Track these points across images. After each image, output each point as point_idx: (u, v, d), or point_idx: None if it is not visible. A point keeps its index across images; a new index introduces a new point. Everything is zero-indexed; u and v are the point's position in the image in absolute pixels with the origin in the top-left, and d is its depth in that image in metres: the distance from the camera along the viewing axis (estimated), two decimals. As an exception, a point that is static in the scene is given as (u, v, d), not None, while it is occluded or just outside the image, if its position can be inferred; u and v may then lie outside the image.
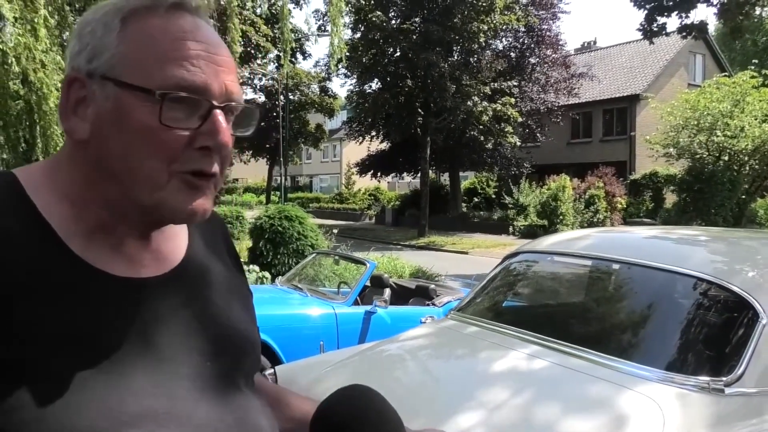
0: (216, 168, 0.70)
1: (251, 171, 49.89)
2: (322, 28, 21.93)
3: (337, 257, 6.75)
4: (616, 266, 2.76)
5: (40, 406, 0.58)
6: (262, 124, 34.89)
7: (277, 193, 31.72)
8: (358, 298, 5.28)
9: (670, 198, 20.62)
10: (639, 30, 15.64)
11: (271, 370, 2.88)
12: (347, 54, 22.57)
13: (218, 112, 0.69)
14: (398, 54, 21.86)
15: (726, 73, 20.99)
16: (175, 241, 0.79)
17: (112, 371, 0.63)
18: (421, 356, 2.67)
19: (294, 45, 27.02)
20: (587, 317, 2.84)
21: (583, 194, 21.02)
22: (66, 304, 0.64)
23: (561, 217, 19.43)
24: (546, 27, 23.72)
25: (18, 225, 0.65)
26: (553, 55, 23.73)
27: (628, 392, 2.01)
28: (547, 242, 3.23)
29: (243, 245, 11.08)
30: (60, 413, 0.59)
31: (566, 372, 2.19)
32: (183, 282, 0.76)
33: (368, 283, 6.03)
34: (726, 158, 17.20)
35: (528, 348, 2.38)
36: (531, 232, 17.95)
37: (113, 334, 0.65)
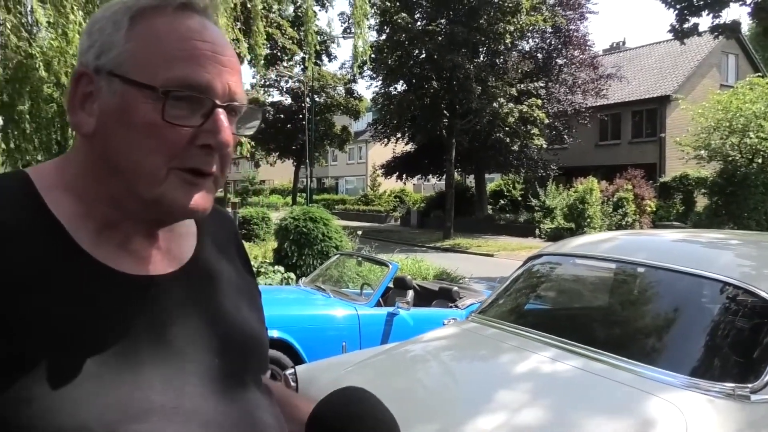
0: (215, 168, 0.71)
1: (278, 173, 50.30)
2: (348, 30, 22.05)
3: (360, 259, 6.76)
4: (640, 269, 2.71)
5: (50, 400, 0.59)
6: (288, 126, 35.22)
7: (303, 194, 31.92)
8: (380, 299, 5.28)
9: (702, 201, 20.20)
10: (670, 30, 15.39)
11: (292, 370, 2.90)
12: (372, 56, 22.70)
13: (220, 111, 0.69)
14: (423, 55, 21.83)
15: (760, 74, 20.49)
16: (185, 240, 0.80)
17: (120, 366, 0.64)
18: (441, 358, 2.66)
19: (319, 47, 27.25)
20: (610, 321, 2.80)
21: (612, 197, 20.71)
22: (75, 301, 0.65)
23: (588, 220, 19.17)
24: (573, 27, 23.43)
25: (28, 222, 0.67)
26: (581, 56, 23.42)
27: (650, 398, 1.98)
28: (570, 245, 3.20)
29: (268, 246, 11.19)
30: (68, 406, 0.60)
31: (587, 376, 2.16)
32: (191, 281, 0.77)
33: (391, 285, 6.03)
34: (759, 160, 16.79)
35: (549, 351, 2.35)
36: (558, 235, 17.73)
37: (121, 331, 0.66)
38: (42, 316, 0.62)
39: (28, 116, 6.91)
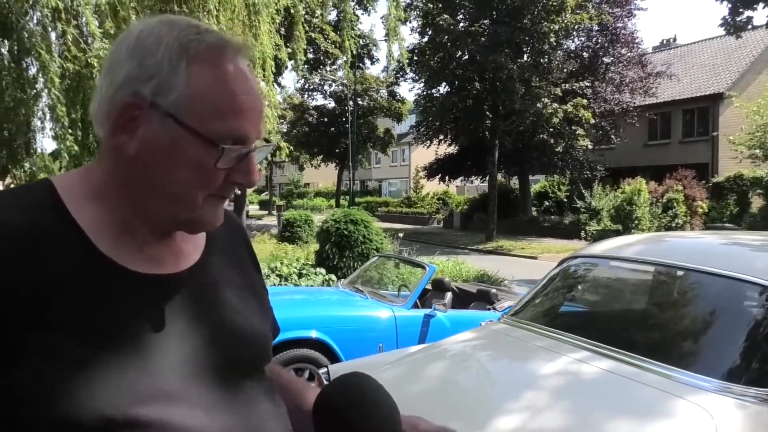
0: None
1: (322, 176, 50.90)
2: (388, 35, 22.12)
3: (397, 261, 6.80)
4: (675, 272, 2.66)
5: (69, 385, 0.67)
6: (332, 129, 35.62)
7: (347, 197, 32.20)
8: (418, 301, 5.30)
9: (757, 202, 19.43)
10: (721, 24, 14.90)
11: (325, 369, 2.96)
12: (415, 58, 22.72)
13: (254, 154, 0.80)
14: (466, 57, 21.74)
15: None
16: (194, 241, 0.87)
17: (131, 356, 0.71)
18: (471, 359, 2.67)
19: (361, 51, 27.42)
20: (641, 323, 2.76)
21: (661, 198, 20.12)
22: (94, 298, 0.72)
23: (636, 222, 18.66)
24: (621, 25, 22.94)
25: (51, 227, 0.74)
26: (629, 54, 22.90)
27: (679, 401, 1.95)
28: (604, 246, 3.16)
29: (310, 248, 11.34)
30: (84, 391, 0.68)
31: (616, 379, 2.14)
32: (200, 279, 0.84)
33: (430, 287, 6.04)
34: (819, 159, 16.06)
35: (578, 353, 2.34)
36: (604, 237, 17.30)
37: (135, 325, 0.74)
38: (65, 312, 0.70)
39: (80, 124, 7.24)
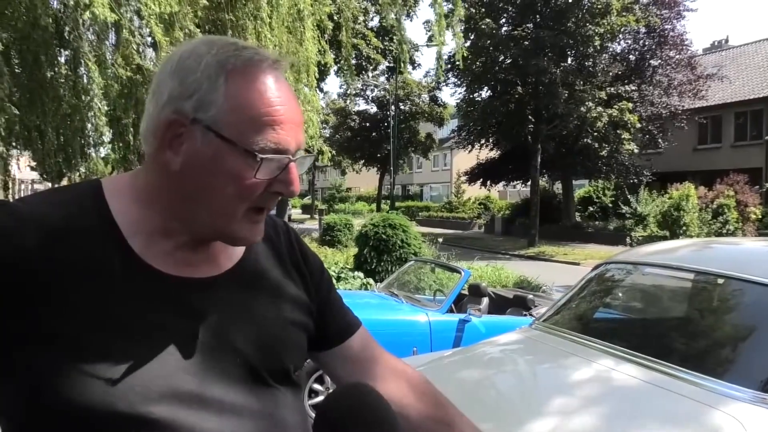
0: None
1: (364, 180, 51.16)
2: (432, 38, 22.16)
3: (433, 265, 6.80)
4: (711, 279, 2.60)
5: (81, 377, 0.70)
6: (374, 134, 35.84)
7: (389, 201, 32.31)
8: (453, 306, 5.29)
9: (815, 208, 18.61)
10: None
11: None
12: (457, 63, 22.66)
13: (294, 165, 0.81)
14: (508, 61, 21.55)
15: None
16: (230, 250, 0.89)
17: (147, 354, 0.74)
18: (498, 364, 2.66)
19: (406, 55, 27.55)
20: (676, 331, 2.70)
21: (711, 204, 19.48)
22: (116, 293, 0.75)
23: (684, 228, 18.11)
24: (669, 27, 22.33)
25: (90, 223, 0.78)
26: (677, 57, 22.27)
27: (711, 411, 1.91)
28: (640, 252, 3.11)
29: (350, 252, 11.44)
30: (96, 384, 0.71)
31: (647, 387, 2.11)
32: (232, 284, 0.86)
33: (466, 292, 6.02)
34: None
35: (608, 360, 2.31)
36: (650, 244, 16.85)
37: (155, 323, 0.76)
38: (86, 303, 0.73)
39: (132, 129, 7.52)
